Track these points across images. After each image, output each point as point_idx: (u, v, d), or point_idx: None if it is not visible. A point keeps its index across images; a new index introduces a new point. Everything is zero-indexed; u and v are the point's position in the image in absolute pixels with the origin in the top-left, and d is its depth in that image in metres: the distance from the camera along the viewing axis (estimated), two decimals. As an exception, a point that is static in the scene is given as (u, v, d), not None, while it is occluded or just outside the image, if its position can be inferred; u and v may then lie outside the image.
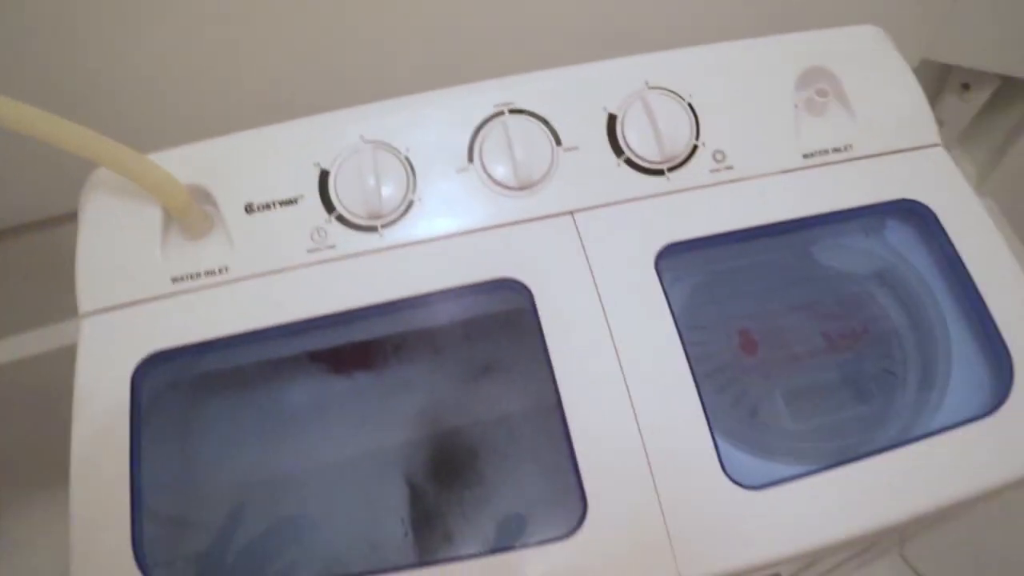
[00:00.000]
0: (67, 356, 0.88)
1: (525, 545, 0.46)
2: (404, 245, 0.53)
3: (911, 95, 0.58)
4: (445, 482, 0.55)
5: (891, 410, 0.53)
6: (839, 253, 0.58)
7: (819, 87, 0.56)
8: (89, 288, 0.53)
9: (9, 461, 1.03)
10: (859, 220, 0.58)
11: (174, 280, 0.53)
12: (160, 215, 0.53)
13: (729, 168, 0.55)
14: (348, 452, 0.58)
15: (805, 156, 0.55)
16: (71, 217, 0.77)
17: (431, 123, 0.55)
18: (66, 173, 0.67)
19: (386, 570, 0.46)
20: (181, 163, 0.53)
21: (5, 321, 0.90)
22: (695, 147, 0.55)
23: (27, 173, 0.74)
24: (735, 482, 0.47)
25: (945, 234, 0.55)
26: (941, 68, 0.97)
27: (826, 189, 0.55)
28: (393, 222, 0.53)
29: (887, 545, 0.73)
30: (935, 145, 0.57)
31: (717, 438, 0.48)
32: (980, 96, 0.98)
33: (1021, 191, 1.00)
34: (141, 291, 0.53)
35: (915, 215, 0.56)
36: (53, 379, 0.91)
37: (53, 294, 0.87)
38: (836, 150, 0.56)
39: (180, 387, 0.55)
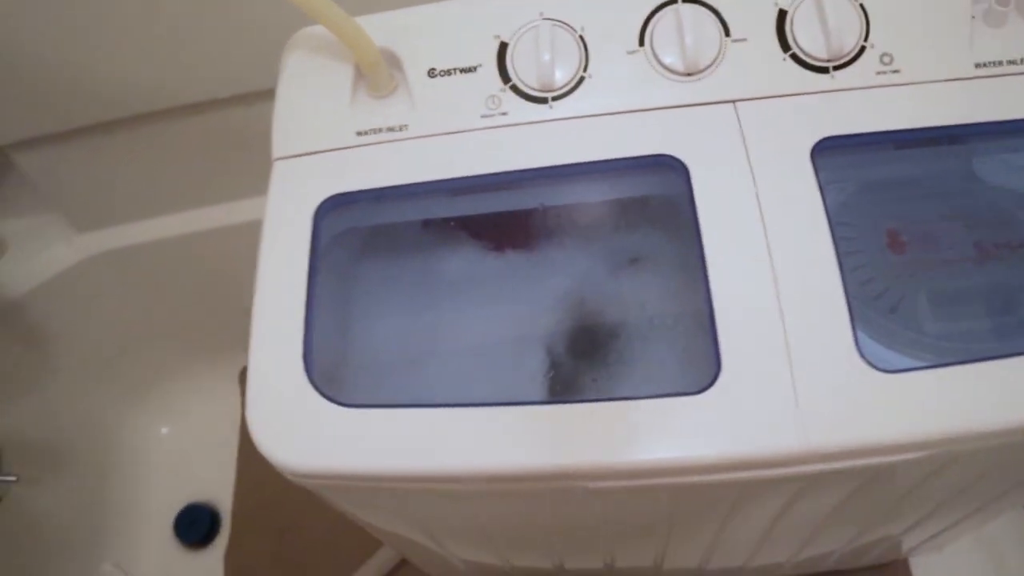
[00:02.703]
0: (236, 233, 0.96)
1: (658, 396, 0.49)
2: (572, 118, 0.56)
3: (1101, 12, 0.56)
4: (586, 356, 0.58)
5: (1040, 323, 0.53)
6: (1003, 169, 0.58)
7: (1000, -3, 0.55)
8: (283, 136, 0.59)
9: (178, 329, 1.14)
10: (1029, 136, 0.57)
11: (358, 134, 0.58)
12: (351, 74, 0.59)
13: (896, 72, 0.55)
14: (495, 320, 0.62)
15: (977, 66, 0.55)
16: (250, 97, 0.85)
17: (607, 5, 0.57)
18: (259, 52, 0.73)
19: (522, 403, 0.50)
20: (376, 27, 0.57)
21: (190, 194, 0.99)
22: (863, 48, 0.55)
23: (225, 50, 0.82)
24: (869, 363, 0.48)
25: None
26: None
27: (996, 100, 0.54)
28: (563, 96, 0.57)
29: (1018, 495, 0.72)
30: (1122, 67, 0.55)
31: (856, 324, 0.49)
32: None
33: None
34: (329, 141, 0.58)
35: (1092, 135, 0.55)
36: (223, 254, 1.00)
37: (235, 170, 0.95)
38: (1011, 62, 0.55)
39: (354, 235, 0.61)
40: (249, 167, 0.94)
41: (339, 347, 0.59)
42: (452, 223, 0.61)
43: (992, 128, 0.55)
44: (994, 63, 0.55)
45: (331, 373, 0.55)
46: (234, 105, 0.90)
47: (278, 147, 0.59)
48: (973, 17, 0.56)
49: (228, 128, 0.93)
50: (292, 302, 0.53)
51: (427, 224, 0.62)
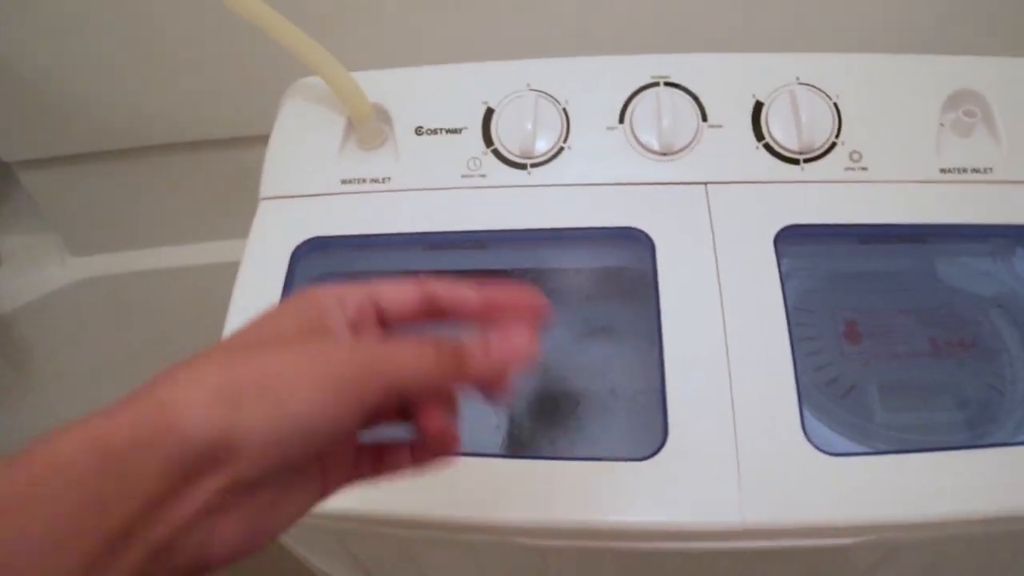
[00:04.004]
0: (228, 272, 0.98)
1: (602, 458, 0.50)
2: (548, 185, 0.58)
3: (1062, 131, 0.58)
4: (545, 418, 0.59)
5: (988, 422, 0.54)
6: (961, 271, 0.59)
7: (967, 108, 0.58)
8: (272, 177, 0.61)
9: (162, 362, 1.14)
10: (988, 242, 0.59)
11: (343, 182, 0.60)
12: (343, 125, 0.61)
13: (864, 169, 0.57)
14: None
15: (942, 171, 0.57)
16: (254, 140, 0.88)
17: (592, 83, 0.60)
18: (268, 96, 0.76)
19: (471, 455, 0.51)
20: (371, 83, 0.60)
21: (187, 228, 1.01)
22: (833, 144, 0.58)
23: (236, 91, 0.85)
24: (814, 445, 0.49)
25: (1078, 270, 0.55)
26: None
27: (958, 205, 0.56)
28: (542, 164, 0.59)
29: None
30: (1080, 184, 0.57)
31: (804, 407, 0.50)
32: None
33: None
34: (314, 186, 0.60)
35: (1049, 247, 0.57)
36: (213, 291, 1.01)
37: (233, 209, 0.97)
38: (975, 171, 0.57)
39: (329, 279, 0.63)
40: (248, 208, 0.96)
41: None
42: (423, 276, 0.63)
43: (952, 231, 0.57)
44: (959, 170, 0.57)
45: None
46: (239, 146, 0.92)
47: (266, 187, 0.61)
48: (942, 125, 0.59)
49: (231, 168, 0.95)
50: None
51: (400, 275, 0.64)
